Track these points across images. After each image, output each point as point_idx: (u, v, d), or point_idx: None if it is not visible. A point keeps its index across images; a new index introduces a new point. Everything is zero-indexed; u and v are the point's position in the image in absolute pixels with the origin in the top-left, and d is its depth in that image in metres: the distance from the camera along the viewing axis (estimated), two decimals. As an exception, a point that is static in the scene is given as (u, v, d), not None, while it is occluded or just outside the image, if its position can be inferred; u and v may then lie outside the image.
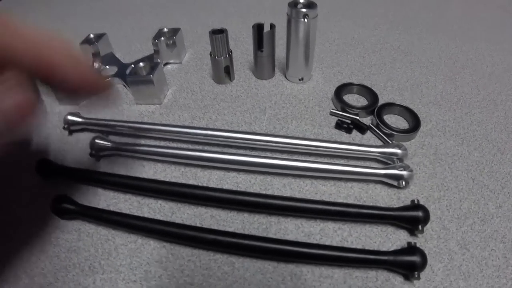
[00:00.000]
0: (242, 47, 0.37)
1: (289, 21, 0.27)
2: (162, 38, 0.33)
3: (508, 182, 0.24)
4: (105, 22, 0.47)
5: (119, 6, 0.52)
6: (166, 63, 0.35)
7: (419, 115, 0.27)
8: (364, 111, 0.27)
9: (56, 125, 0.30)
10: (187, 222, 0.21)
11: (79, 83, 0.15)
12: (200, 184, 0.23)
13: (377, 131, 0.26)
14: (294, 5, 0.27)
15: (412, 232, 0.21)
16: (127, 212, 0.22)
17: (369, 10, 0.46)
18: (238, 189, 0.23)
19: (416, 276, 0.18)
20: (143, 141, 0.27)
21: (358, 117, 0.26)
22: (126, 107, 0.31)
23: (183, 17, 0.47)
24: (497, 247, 0.20)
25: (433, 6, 0.48)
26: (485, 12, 0.46)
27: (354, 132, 0.26)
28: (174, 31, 0.34)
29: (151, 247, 0.20)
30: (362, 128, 0.26)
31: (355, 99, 0.30)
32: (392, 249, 0.20)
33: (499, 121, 0.29)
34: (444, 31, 0.41)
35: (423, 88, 0.31)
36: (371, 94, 0.29)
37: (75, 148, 0.27)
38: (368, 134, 0.26)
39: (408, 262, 0.18)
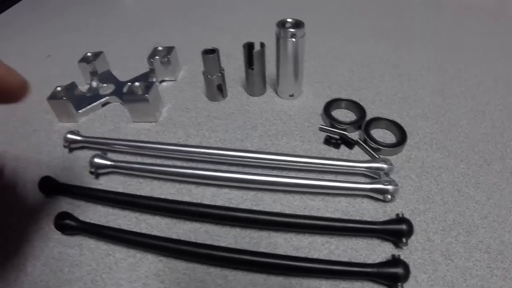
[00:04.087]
0: (234, 64, 0.39)
1: (277, 40, 0.30)
2: (157, 57, 0.36)
3: (494, 193, 0.26)
4: (102, 38, 0.50)
5: (114, 22, 0.55)
6: (162, 81, 0.38)
7: (406, 129, 0.29)
8: (352, 126, 0.29)
9: (56, 142, 0.32)
10: (183, 237, 0.23)
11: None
12: (194, 201, 0.25)
13: (365, 146, 0.28)
14: (282, 25, 0.29)
15: (397, 244, 0.22)
16: (126, 227, 0.24)
17: (359, 23, 0.49)
18: (231, 205, 0.25)
19: (399, 287, 0.20)
20: (140, 159, 0.29)
21: (346, 133, 0.28)
22: (123, 125, 0.33)
23: (177, 32, 0.49)
24: (481, 257, 0.22)
25: (423, 17, 0.50)
26: (475, 21, 0.48)
27: (342, 147, 0.28)
28: (169, 50, 0.37)
29: (149, 261, 0.22)
30: (350, 143, 0.28)
31: (344, 114, 0.32)
32: (377, 261, 0.22)
33: (487, 131, 0.31)
34: (433, 42, 0.44)
35: (411, 101, 0.34)
36: (359, 109, 0.31)
37: (75, 166, 0.30)
38: (356, 149, 0.28)
39: (391, 274, 0.20)
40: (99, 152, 0.28)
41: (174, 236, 0.23)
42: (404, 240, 0.22)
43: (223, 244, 0.23)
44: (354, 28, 0.48)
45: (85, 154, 0.30)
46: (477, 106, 0.33)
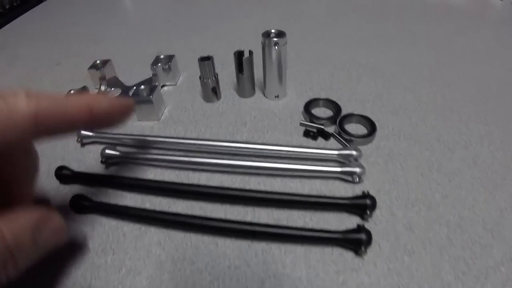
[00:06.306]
0: (228, 70, 0.46)
1: (263, 48, 0.36)
2: (159, 64, 0.42)
3: (456, 176, 0.30)
4: (108, 46, 0.57)
5: (119, 31, 0.63)
6: (163, 85, 0.44)
7: (376, 123, 0.35)
8: (328, 121, 0.35)
9: (69, 138, 0.38)
10: (181, 213, 0.29)
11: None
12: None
13: (339, 137, 0.33)
14: (266, 35, 0.36)
15: (362, 217, 0.28)
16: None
17: (342, 31, 0.55)
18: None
19: (363, 251, 0.25)
20: (144, 151, 0.35)
21: (323, 126, 0.34)
22: (130, 123, 0.39)
23: (177, 42, 0.56)
24: (441, 230, 0.26)
25: (402, 24, 0.57)
26: (454, 26, 0.55)
27: (320, 139, 0.34)
28: (170, 58, 0.43)
29: (152, 233, 0.28)
30: (326, 135, 0.34)
31: (322, 112, 0.38)
32: (345, 230, 0.27)
33: (453, 124, 0.36)
34: (411, 46, 0.50)
35: (383, 100, 0.39)
36: (335, 106, 0.37)
37: (87, 158, 0.35)
38: (332, 140, 0.34)
39: (356, 239, 0.25)
40: (109, 145, 0.34)
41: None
42: (368, 212, 0.27)
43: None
44: (338, 35, 0.54)
45: (96, 148, 0.36)
46: (446, 103, 0.39)
